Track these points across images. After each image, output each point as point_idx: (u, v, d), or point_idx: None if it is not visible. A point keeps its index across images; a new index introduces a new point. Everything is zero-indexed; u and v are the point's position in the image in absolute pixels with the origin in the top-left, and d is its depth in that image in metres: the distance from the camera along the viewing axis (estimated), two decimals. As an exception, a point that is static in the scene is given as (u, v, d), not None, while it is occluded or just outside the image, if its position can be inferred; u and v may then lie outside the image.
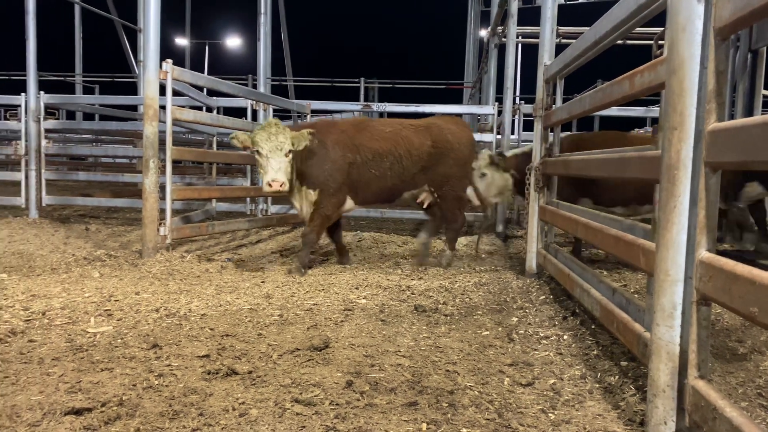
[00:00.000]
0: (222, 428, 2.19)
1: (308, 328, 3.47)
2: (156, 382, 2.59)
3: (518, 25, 8.46)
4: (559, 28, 8.33)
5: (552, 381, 2.75)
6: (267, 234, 7.59)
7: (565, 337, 3.42)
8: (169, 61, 5.57)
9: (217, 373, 2.71)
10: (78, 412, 2.27)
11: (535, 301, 4.24)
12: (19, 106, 8.45)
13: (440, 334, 3.45)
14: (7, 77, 19.23)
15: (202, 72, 21.12)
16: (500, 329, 3.57)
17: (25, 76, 8.42)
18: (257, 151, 4.94)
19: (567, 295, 4.22)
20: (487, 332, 3.51)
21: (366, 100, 17.86)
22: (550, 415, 2.39)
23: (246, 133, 5.12)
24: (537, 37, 5.29)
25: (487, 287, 4.68)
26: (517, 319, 3.80)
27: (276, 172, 4.89)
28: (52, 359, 2.85)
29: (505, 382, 2.73)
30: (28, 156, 8.34)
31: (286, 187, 4.94)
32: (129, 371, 2.72)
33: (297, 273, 5.11)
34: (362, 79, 18.01)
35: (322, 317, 3.72)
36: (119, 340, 3.16)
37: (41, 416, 2.24)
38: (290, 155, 4.97)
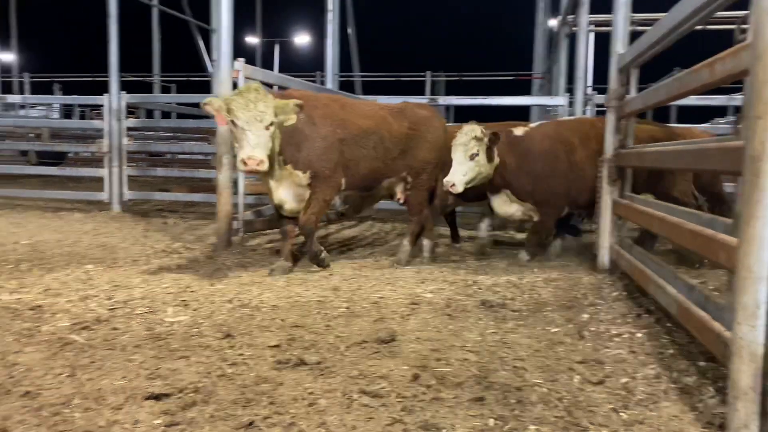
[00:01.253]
0: (292, 417, 2.25)
1: (375, 321, 3.51)
2: (229, 371, 2.69)
3: (590, 13, 8.20)
4: (634, 15, 8.01)
5: (624, 380, 2.67)
6: (334, 228, 7.70)
7: (639, 335, 3.31)
8: (241, 60, 5.71)
9: (287, 363, 2.79)
10: (157, 398, 2.39)
11: (607, 298, 4.12)
12: (103, 105, 8.91)
13: (508, 329, 3.41)
14: (91, 78, 20.31)
15: (272, 70, 21.61)
16: (570, 326, 3.49)
17: (107, 77, 8.87)
18: (232, 121, 4.28)
19: (641, 291, 4.07)
20: (557, 329, 3.44)
21: (432, 93, 17.78)
22: (622, 414, 2.33)
23: (221, 99, 4.47)
24: (610, 25, 5.12)
25: (556, 283, 4.58)
26: (588, 315, 3.71)
27: (254, 147, 4.20)
28: (134, 346, 3.00)
29: (575, 380, 2.67)
30: (111, 153, 8.77)
31: (265, 166, 4.26)
32: (204, 359, 2.83)
33: (317, 262, 4.97)
34: (428, 72, 17.93)
35: (388, 310, 3.75)
36: (195, 330, 3.30)
37: (124, 400, 2.37)
38: (272, 128, 4.32)
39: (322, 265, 4.98)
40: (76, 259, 5.18)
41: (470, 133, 5.04)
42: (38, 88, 22.30)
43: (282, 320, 3.49)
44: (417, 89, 17.98)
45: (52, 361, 2.77)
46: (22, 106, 17.80)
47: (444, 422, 2.23)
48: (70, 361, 2.77)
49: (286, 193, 4.87)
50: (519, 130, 5.57)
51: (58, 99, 17.21)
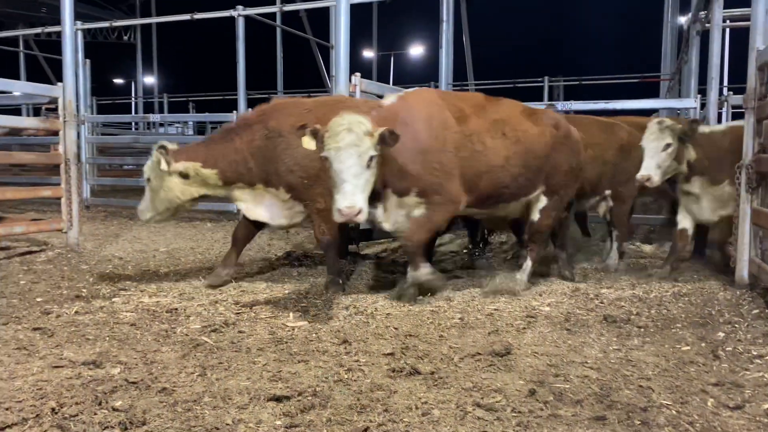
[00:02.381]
0: (405, 426, 2.27)
1: (489, 333, 3.45)
2: (345, 376, 2.76)
3: (724, 8, 7.62)
4: (776, 7, 7.33)
5: (767, 406, 2.43)
6: (447, 238, 7.67)
7: (785, 357, 3.00)
8: (358, 74, 5.88)
9: (401, 372, 2.81)
10: (278, 399, 2.51)
11: (746, 316, 3.78)
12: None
13: (632, 346, 3.23)
14: (221, 97, 21.74)
15: (388, 82, 22.01)
16: (703, 345, 3.24)
17: (236, 95, 9.46)
18: None
19: (787, 309, 3.70)
20: (688, 347, 3.20)
21: (550, 99, 17.26)
22: (764, 444, 2.12)
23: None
24: (747, 20, 4.73)
25: (687, 298, 4.27)
26: (724, 334, 3.42)
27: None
28: (258, 349, 3.16)
29: (709, 403, 2.47)
30: (239, 166, 9.31)
31: None
32: (322, 364, 2.92)
33: (335, 287, 4.46)
34: (546, 77, 17.44)
35: (503, 323, 3.68)
36: (314, 335, 3.42)
37: (248, 400, 2.50)
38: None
39: (336, 289, 4.44)
40: (207, 266, 5.55)
41: (359, 126, 3.55)
42: (175, 107, 24.23)
43: (395, 329, 3.53)
44: (534, 95, 17.53)
45: (185, 361, 2.98)
46: (161, 124, 19.41)
47: (562, 440, 2.15)
48: (200, 361, 2.97)
49: (265, 210, 4.62)
50: (386, 100, 4.38)
51: (192, 117, 18.57)
